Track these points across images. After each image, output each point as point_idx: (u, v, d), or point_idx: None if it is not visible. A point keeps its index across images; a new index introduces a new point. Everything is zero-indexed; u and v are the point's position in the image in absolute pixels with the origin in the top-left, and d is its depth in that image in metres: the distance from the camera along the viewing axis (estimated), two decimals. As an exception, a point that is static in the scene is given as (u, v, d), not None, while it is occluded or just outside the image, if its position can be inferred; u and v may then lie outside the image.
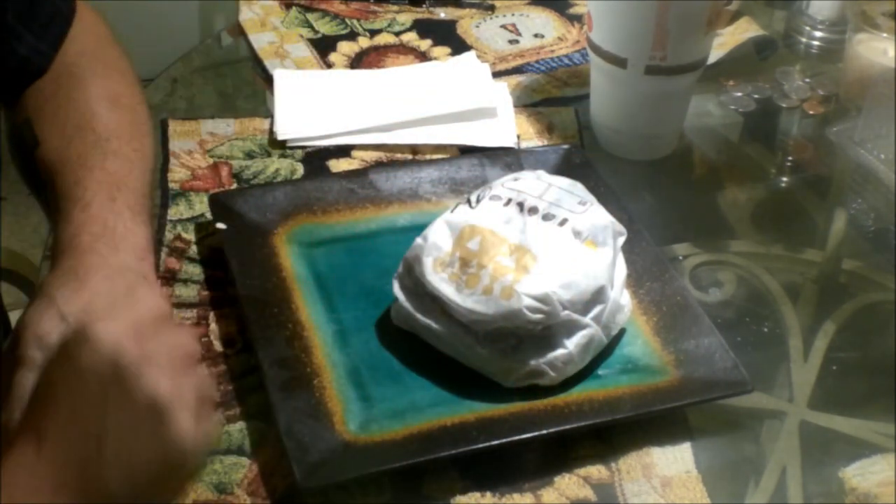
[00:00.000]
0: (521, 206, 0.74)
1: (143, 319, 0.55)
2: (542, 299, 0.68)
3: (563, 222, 0.72)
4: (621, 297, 0.73)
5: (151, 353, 0.53)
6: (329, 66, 1.09)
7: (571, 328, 0.70)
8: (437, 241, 0.73)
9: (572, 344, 0.70)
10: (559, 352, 0.69)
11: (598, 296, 0.70)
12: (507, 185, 0.76)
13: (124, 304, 0.56)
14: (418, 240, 0.74)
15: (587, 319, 0.70)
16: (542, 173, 0.78)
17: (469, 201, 0.75)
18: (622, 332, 0.75)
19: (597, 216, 0.73)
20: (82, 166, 0.72)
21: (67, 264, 0.65)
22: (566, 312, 0.69)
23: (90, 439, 0.51)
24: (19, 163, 0.79)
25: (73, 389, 0.52)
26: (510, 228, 0.72)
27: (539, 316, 0.68)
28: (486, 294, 0.69)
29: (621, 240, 0.74)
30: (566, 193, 0.75)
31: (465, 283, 0.70)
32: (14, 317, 0.95)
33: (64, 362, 0.53)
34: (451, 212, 0.75)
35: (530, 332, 0.69)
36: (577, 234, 0.72)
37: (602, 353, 0.73)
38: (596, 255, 0.72)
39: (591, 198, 0.76)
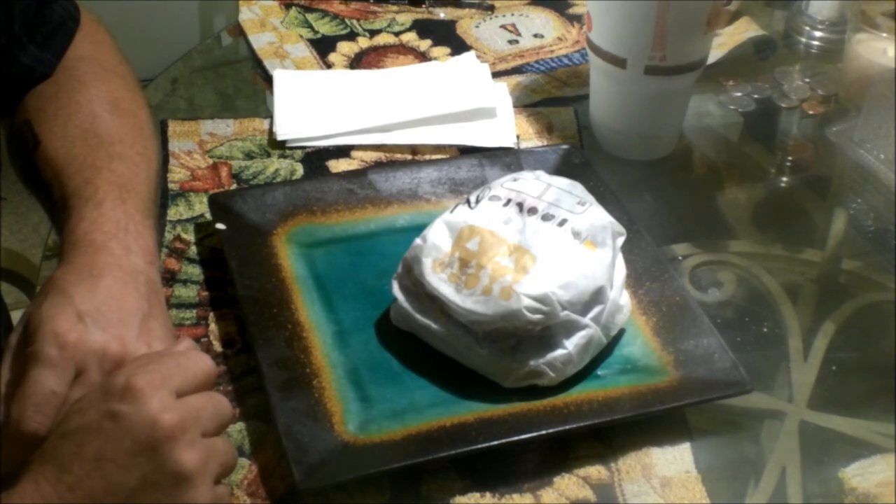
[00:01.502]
0: (520, 206, 0.74)
1: (189, 383, 0.58)
2: (542, 300, 0.68)
3: (562, 223, 0.72)
4: (621, 298, 0.73)
5: (187, 424, 0.56)
6: (329, 66, 1.09)
7: (571, 328, 0.70)
8: (437, 242, 0.73)
9: (571, 344, 0.69)
10: (558, 352, 0.69)
11: (597, 296, 0.70)
12: (507, 185, 0.76)
13: (169, 357, 0.59)
14: (417, 240, 0.74)
15: (586, 320, 0.70)
16: (541, 173, 0.78)
17: (468, 202, 0.75)
18: (621, 332, 0.75)
19: (596, 216, 0.73)
20: (90, 167, 0.73)
21: (80, 260, 0.65)
22: (565, 313, 0.69)
23: (110, 496, 0.54)
24: (19, 163, 0.78)
25: (106, 438, 0.55)
26: (509, 229, 0.72)
27: (538, 316, 0.68)
28: (485, 294, 0.69)
29: (621, 240, 0.74)
30: (565, 194, 0.75)
31: (464, 284, 0.70)
32: (15, 316, 0.95)
33: (103, 406, 0.56)
34: (451, 212, 0.75)
35: (529, 333, 0.69)
36: (576, 234, 0.72)
37: (601, 354, 0.73)
38: (595, 255, 0.71)
39: (590, 198, 0.76)
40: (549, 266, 0.70)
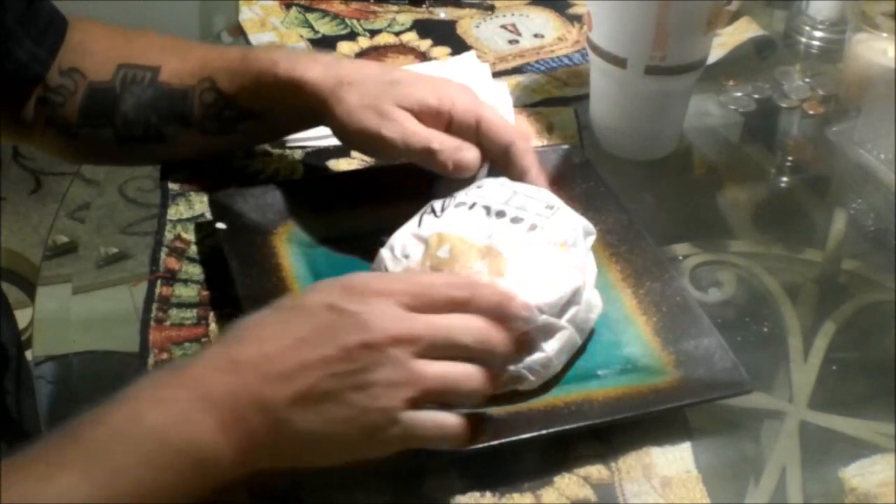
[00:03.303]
0: (487, 210, 0.73)
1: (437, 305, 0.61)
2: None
3: (532, 227, 0.71)
4: (592, 297, 0.72)
5: (405, 339, 0.58)
6: (329, 66, 1.09)
7: (549, 331, 0.68)
8: (406, 251, 0.71)
9: (549, 347, 0.68)
10: (537, 356, 0.68)
11: (573, 297, 0.70)
12: (471, 192, 0.75)
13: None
14: (383, 251, 0.73)
15: (563, 322, 0.69)
16: (504, 180, 0.77)
17: (433, 211, 0.74)
18: (622, 332, 0.75)
19: (566, 218, 0.73)
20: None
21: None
22: (544, 316, 0.68)
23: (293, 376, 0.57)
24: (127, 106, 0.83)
25: (315, 324, 0.58)
26: (479, 234, 0.71)
27: (518, 322, 0.67)
28: None
29: (591, 239, 0.74)
30: (531, 199, 0.74)
31: None
32: (20, 315, 0.95)
33: (332, 296, 0.60)
34: (418, 225, 0.73)
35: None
36: (547, 236, 0.71)
37: (602, 354, 0.73)
38: (569, 256, 0.71)
39: (558, 202, 0.75)
40: (524, 270, 0.69)
